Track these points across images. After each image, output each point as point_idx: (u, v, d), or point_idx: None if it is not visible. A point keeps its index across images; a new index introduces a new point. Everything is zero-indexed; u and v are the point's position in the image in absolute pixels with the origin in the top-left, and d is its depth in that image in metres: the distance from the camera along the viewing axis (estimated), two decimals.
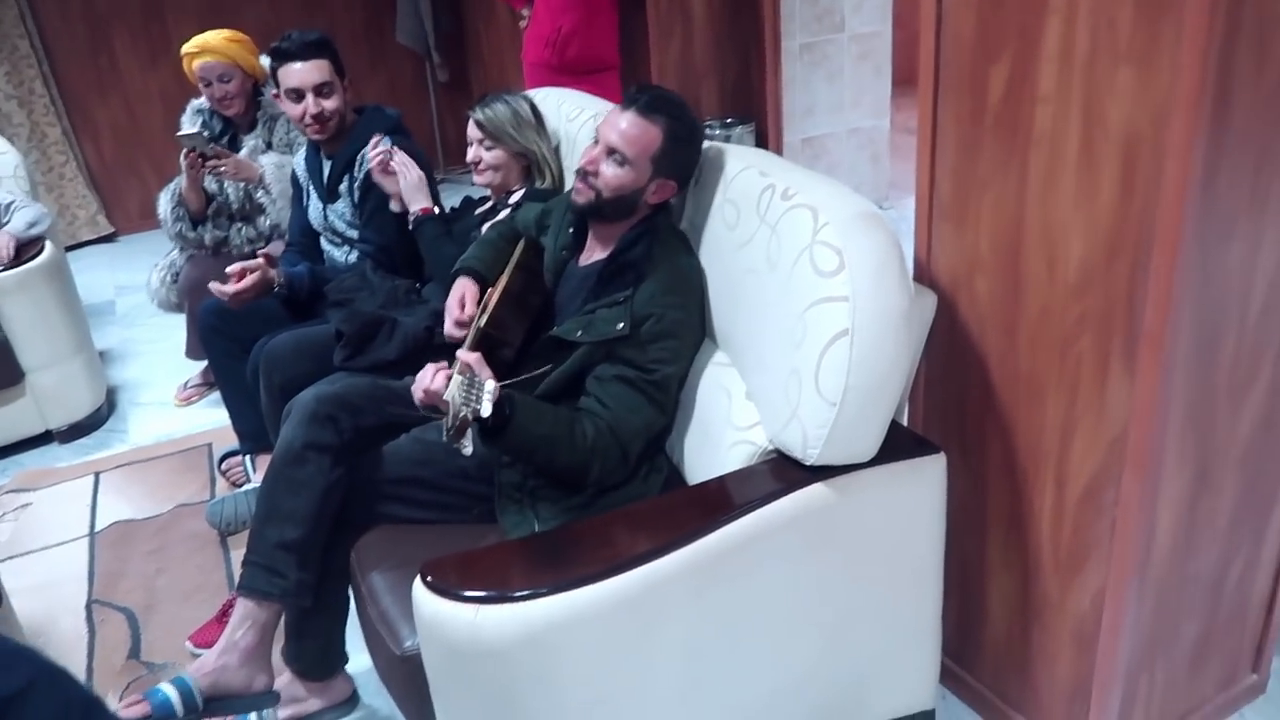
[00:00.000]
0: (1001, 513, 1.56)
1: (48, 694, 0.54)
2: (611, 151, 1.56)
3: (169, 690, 1.62)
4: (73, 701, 0.56)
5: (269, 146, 2.90)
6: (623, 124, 1.56)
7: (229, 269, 2.25)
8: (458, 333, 1.74)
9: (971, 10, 1.35)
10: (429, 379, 1.43)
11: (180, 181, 2.88)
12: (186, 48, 2.82)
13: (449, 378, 1.36)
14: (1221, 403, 1.34)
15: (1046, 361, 1.39)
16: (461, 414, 1.29)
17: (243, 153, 2.87)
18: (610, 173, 1.56)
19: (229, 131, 2.95)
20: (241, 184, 2.88)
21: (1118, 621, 1.40)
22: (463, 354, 1.41)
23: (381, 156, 2.21)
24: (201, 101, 2.96)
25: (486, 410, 1.30)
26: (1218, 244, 1.21)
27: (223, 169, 2.72)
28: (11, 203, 2.95)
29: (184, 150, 2.71)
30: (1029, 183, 1.33)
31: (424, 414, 1.45)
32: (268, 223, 2.92)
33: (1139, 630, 1.43)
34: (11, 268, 2.79)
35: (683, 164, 1.62)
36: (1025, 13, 1.27)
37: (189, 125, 2.96)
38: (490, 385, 1.32)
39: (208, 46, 2.79)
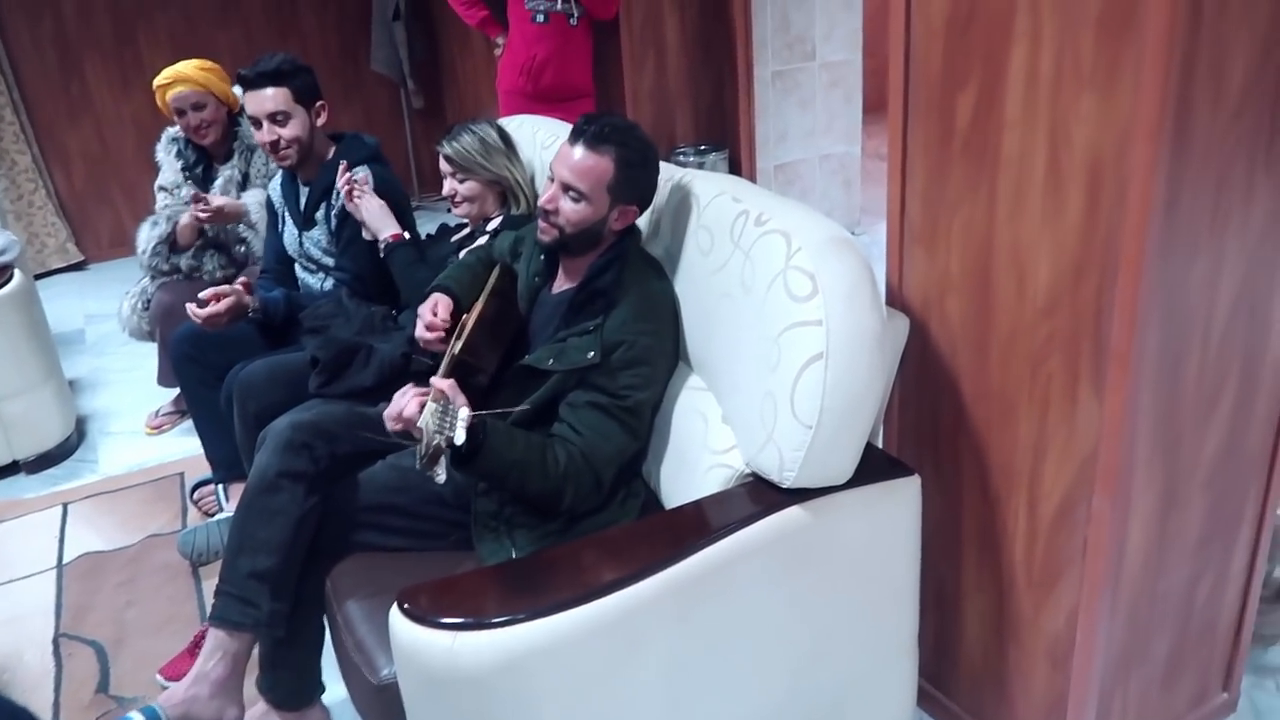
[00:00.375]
0: (975, 532, 1.57)
1: None
2: (567, 189, 1.56)
3: (137, 718, 1.60)
4: None
5: (245, 178, 2.89)
6: (573, 158, 1.55)
7: (203, 294, 2.23)
8: (428, 335, 1.73)
9: (938, 38, 1.38)
10: (403, 403, 1.42)
11: (168, 216, 2.87)
12: (159, 80, 2.81)
13: (422, 404, 1.35)
14: (1188, 420, 1.36)
15: (1017, 381, 1.41)
16: (435, 441, 1.28)
17: (217, 183, 2.86)
18: (569, 208, 1.56)
19: (203, 161, 2.94)
20: (225, 239, 2.89)
21: (1091, 638, 1.41)
22: (436, 381, 1.41)
23: (347, 186, 2.21)
24: (176, 130, 2.95)
25: (460, 438, 1.29)
26: (1181, 264, 1.23)
27: (205, 216, 2.70)
28: None
29: (192, 195, 2.74)
30: (997, 205, 1.36)
31: (397, 440, 1.44)
32: (244, 250, 2.91)
33: (1112, 647, 1.45)
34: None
35: (640, 188, 1.62)
36: (990, 40, 1.30)
37: (164, 154, 2.95)
38: (464, 412, 1.32)
39: (180, 76, 2.79)
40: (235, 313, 2.24)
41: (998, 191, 1.35)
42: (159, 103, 2.85)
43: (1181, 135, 1.15)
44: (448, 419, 1.30)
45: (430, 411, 1.30)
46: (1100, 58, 1.16)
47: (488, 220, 2.20)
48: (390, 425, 1.43)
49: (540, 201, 1.59)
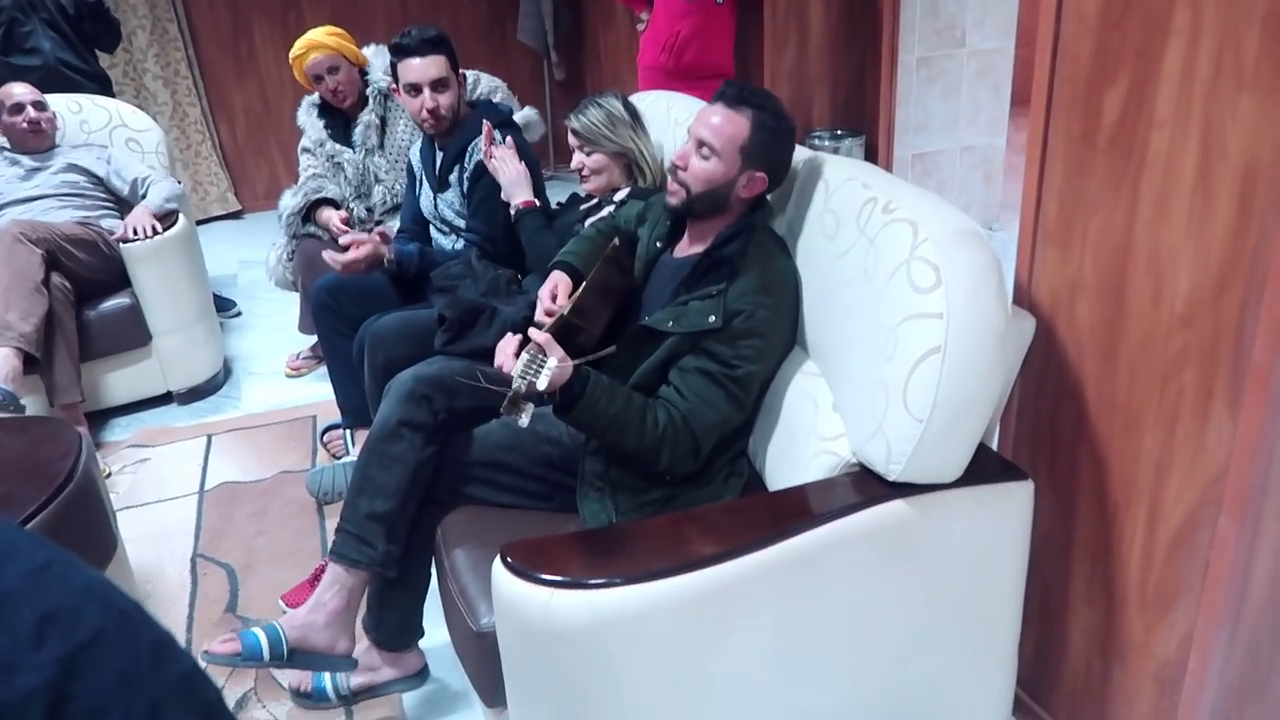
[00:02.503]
0: (1088, 545, 1.52)
1: (115, 641, 0.52)
2: (700, 145, 1.59)
3: (260, 634, 1.72)
4: (141, 646, 0.53)
5: (384, 122, 3.03)
6: (712, 118, 1.59)
7: (343, 239, 2.35)
8: (547, 320, 1.79)
9: (1090, 30, 1.33)
10: (504, 354, 1.50)
11: (307, 190, 3.06)
12: (294, 51, 2.99)
13: (519, 353, 1.43)
14: None
15: (1146, 393, 1.35)
16: (516, 385, 1.38)
17: (357, 130, 3.02)
18: (698, 165, 1.59)
19: (342, 121, 3.08)
20: (361, 163, 3.02)
21: (1204, 668, 1.35)
22: (534, 333, 1.47)
23: (489, 143, 2.29)
24: (314, 97, 3.11)
25: (542, 384, 1.40)
26: None
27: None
28: (147, 178, 3.15)
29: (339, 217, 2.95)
30: (1139, 208, 1.30)
31: (491, 388, 1.51)
32: (382, 192, 3.05)
33: (1226, 679, 1.38)
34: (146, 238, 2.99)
35: (772, 155, 1.62)
36: (1146, 34, 1.24)
37: (305, 117, 3.12)
38: (552, 363, 1.41)
39: (313, 43, 2.95)
40: (372, 261, 2.34)
41: (1140, 193, 1.29)
42: (296, 74, 3.04)
43: None
44: (534, 366, 1.41)
45: (523, 360, 1.41)
46: (1265, 57, 1.09)
47: (615, 191, 2.24)
48: (496, 365, 1.52)
49: (672, 157, 1.62)
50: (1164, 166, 1.24)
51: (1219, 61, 1.14)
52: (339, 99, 3.01)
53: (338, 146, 3.05)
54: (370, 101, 3.02)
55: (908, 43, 3.85)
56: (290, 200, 3.10)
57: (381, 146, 3.04)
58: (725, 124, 1.57)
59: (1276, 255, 1.12)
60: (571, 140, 2.24)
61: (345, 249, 2.33)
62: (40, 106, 3.09)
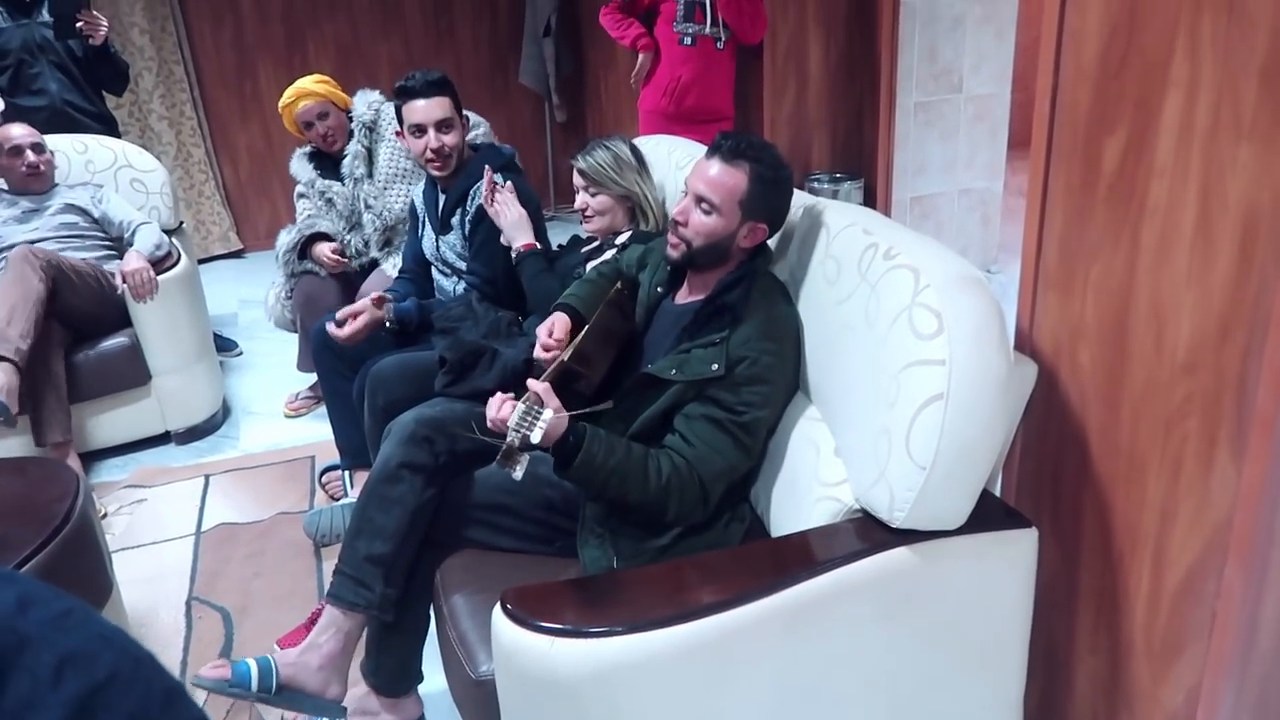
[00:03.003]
0: (1093, 593, 1.50)
1: (129, 685, 0.55)
2: (700, 200, 1.59)
3: (251, 664, 1.70)
4: (153, 692, 0.56)
5: (370, 152, 3.08)
6: (709, 172, 1.59)
7: (340, 313, 2.36)
8: (545, 356, 1.78)
9: (1088, 80, 1.34)
10: (496, 407, 1.47)
11: (301, 227, 3.11)
12: (283, 101, 3.06)
13: (515, 404, 1.41)
14: None
15: (1149, 440, 1.34)
16: (511, 438, 1.35)
17: (345, 162, 3.08)
18: (699, 220, 1.59)
19: (333, 164, 3.15)
20: (350, 194, 3.08)
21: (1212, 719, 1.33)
22: (532, 382, 1.46)
23: (490, 188, 2.31)
24: (306, 147, 3.17)
25: (536, 438, 1.37)
26: None
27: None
28: (133, 223, 3.13)
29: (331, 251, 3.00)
30: (1140, 255, 1.30)
31: (489, 440, 1.49)
32: (371, 219, 3.08)
33: None
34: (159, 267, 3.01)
35: (771, 205, 1.63)
36: (1144, 85, 1.25)
37: (298, 164, 3.19)
38: (548, 414, 1.38)
39: (302, 92, 3.03)
40: (372, 328, 2.36)
41: (1141, 241, 1.29)
42: (287, 123, 3.12)
43: None
44: (529, 419, 1.38)
45: (517, 410, 1.38)
46: (1263, 108, 1.10)
47: (616, 235, 2.25)
48: (489, 423, 1.49)
49: (672, 213, 1.62)
50: (1164, 215, 1.25)
51: (1217, 112, 1.16)
52: (329, 144, 3.09)
53: (327, 182, 3.12)
54: (355, 133, 3.08)
55: (906, 87, 3.90)
56: (286, 238, 3.13)
57: (370, 175, 3.09)
58: (723, 179, 1.58)
59: (1278, 304, 1.12)
60: (576, 180, 2.26)
61: (342, 323, 2.33)
62: (39, 149, 3.08)
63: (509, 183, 2.36)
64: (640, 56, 3.62)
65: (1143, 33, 1.24)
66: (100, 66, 3.43)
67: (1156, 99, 1.24)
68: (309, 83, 3.05)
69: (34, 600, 0.55)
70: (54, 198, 3.11)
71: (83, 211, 3.11)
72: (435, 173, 2.47)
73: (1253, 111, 1.12)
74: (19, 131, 3.07)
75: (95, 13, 3.30)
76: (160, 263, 3.05)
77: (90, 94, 3.51)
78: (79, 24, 3.24)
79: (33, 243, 2.95)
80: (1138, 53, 1.26)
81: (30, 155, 3.05)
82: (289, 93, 3.05)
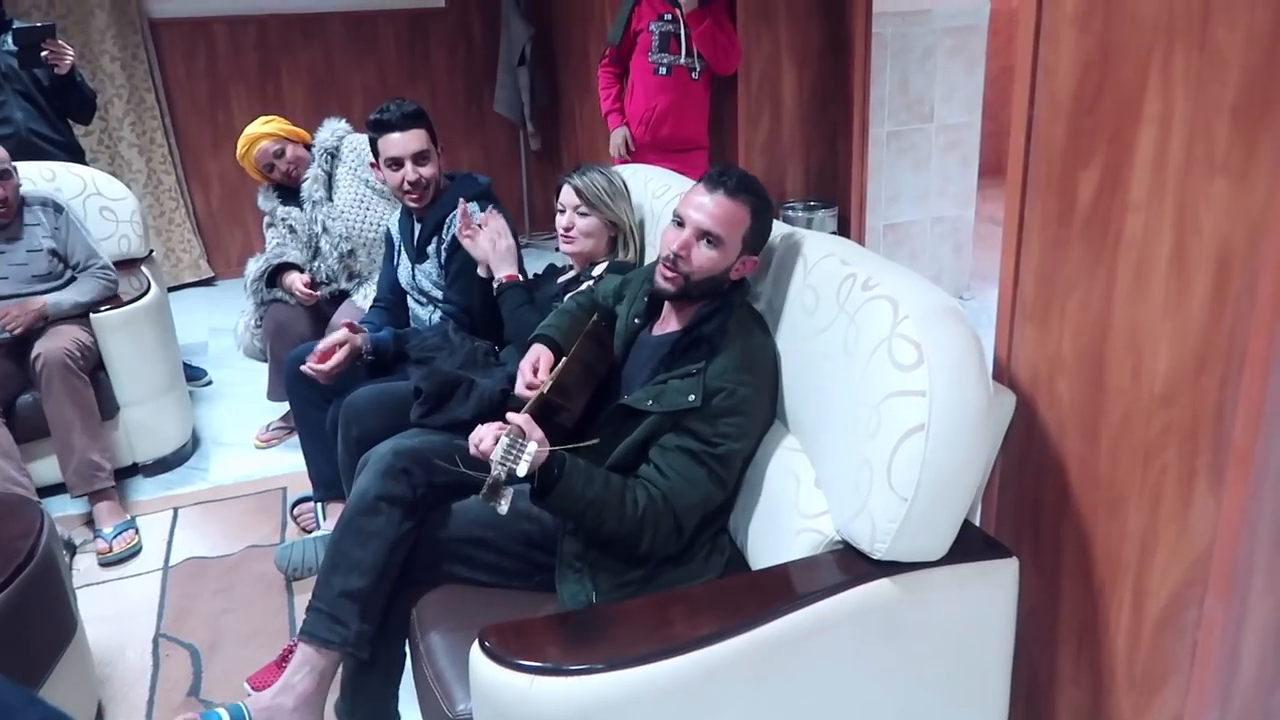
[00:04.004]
0: (1074, 623, 1.50)
1: None
2: (703, 234, 1.57)
3: (223, 714, 1.66)
4: None
5: (330, 176, 3.08)
6: (713, 207, 1.57)
7: (321, 345, 2.32)
8: (528, 393, 1.77)
9: (1063, 115, 1.36)
10: (480, 437, 1.44)
11: (269, 255, 3.10)
12: (239, 151, 3.08)
13: (498, 437, 1.39)
14: None
15: (1128, 471, 1.35)
16: (496, 472, 1.33)
17: (304, 186, 3.07)
18: (703, 255, 1.58)
19: (297, 193, 3.13)
20: (308, 218, 3.07)
21: None
22: (514, 416, 1.44)
23: (466, 219, 2.29)
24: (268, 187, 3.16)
25: (522, 471, 1.35)
26: None
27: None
28: (83, 268, 2.96)
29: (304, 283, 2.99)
30: (1116, 288, 1.31)
31: (469, 474, 1.46)
32: (328, 242, 3.06)
33: None
34: (116, 307, 2.94)
35: (763, 239, 1.66)
36: (1118, 120, 1.27)
37: (264, 199, 3.18)
38: (532, 447, 1.37)
39: (254, 135, 3.04)
40: (350, 360, 2.33)
41: (1117, 274, 1.31)
42: (249, 171, 3.11)
43: None
44: (513, 452, 1.36)
45: (501, 443, 1.36)
46: (1235, 143, 1.12)
47: (593, 264, 2.24)
48: (471, 451, 1.46)
49: (673, 247, 1.58)
50: (1139, 248, 1.27)
51: (1191, 147, 1.17)
52: (292, 179, 3.09)
53: (287, 209, 3.11)
54: (316, 159, 3.08)
55: (878, 117, 3.95)
56: (254, 266, 3.12)
57: (329, 199, 3.08)
58: (731, 214, 1.57)
59: (1253, 336, 1.13)
60: (565, 199, 2.21)
61: (322, 358, 2.29)
62: (5, 176, 2.82)
63: (498, 213, 2.34)
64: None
65: (1116, 68, 1.26)
66: (67, 95, 3.38)
67: (1130, 133, 1.25)
68: (257, 126, 3.06)
69: (6, 709, 0.54)
70: (18, 234, 2.88)
71: (50, 253, 2.92)
72: (413, 204, 2.46)
73: (1225, 146, 1.13)
74: None
75: (61, 42, 3.26)
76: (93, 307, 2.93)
77: (57, 123, 3.45)
78: (44, 53, 3.20)
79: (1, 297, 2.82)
80: (1111, 87, 1.27)
81: None
82: (241, 142, 3.06)
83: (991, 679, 1.46)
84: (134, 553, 2.65)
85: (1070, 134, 1.35)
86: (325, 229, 3.04)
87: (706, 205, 1.58)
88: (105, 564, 2.61)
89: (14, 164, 2.91)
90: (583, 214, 2.19)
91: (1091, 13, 1.29)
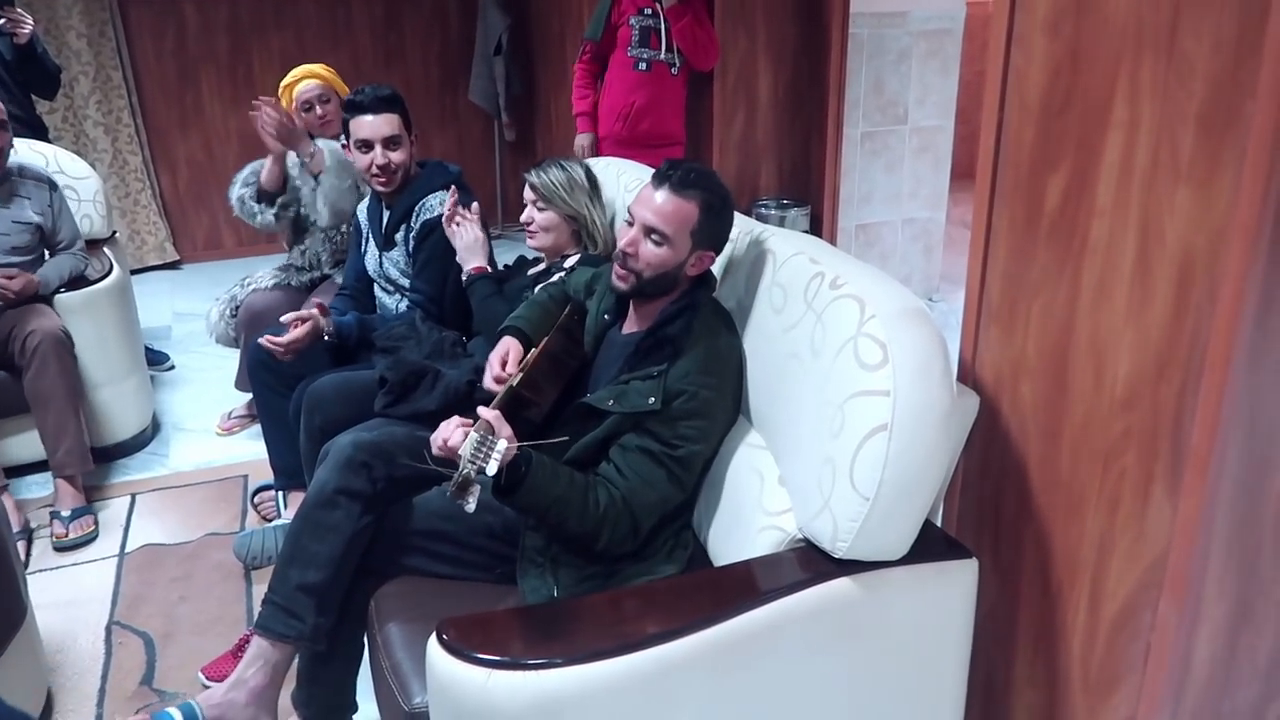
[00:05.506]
0: (1032, 624, 1.52)
1: None
2: (650, 231, 1.56)
3: (175, 714, 1.63)
4: None
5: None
6: (658, 202, 1.56)
7: (285, 317, 2.28)
8: (496, 387, 1.75)
9: (1032, 120, 1.36)
10: (448, 432, 1.43)
11: (260, 166, 2.99)
12: (288, 78, 3.03)
13: (467, 433, 1.37)
14: (1268, 536, 1.30)
15: (1088, 473, 1.36)
16: (465, 470, 1.30)
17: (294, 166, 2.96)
18: (650, 251, 1.57)
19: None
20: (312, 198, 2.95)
21: None
22: (484, 411, 1.42)
23: (452, 210, 2.28)
24: (258, 164, 3.03)
25: (492, 469, 1.32)
26: (1272, 373, 1.18)
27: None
28: (65, 246, 2.94)
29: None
30: (1080, 292, 1.32)
31: (437, 469, 1.45)
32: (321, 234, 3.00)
33: None
34: (76, 288, 2.88)
35: (718, 234, 1.63)
36: (1086, 126, 1.27)
37: (241, 188, 3.04)
38: (502, 445, 1.34)
39: (310, 72, 3.02)
40: (312, 338, 2.29)
41: (1082, 278, 1.32)
42: (285, 101, 3.01)
43: None
44: (484, 449, 1.32)
45: (470, 440, 1.33)
46: (1199, 153, 1.13)
47: (564, 257, 2.23)
48: (435, 449, 1.44)
49: (620, 245, 1.60)
50: (1104, 254, 1.27)
51: (1156, 155, 1.18)
52: (325, 128, 3.00)
53: (261, 206, 2.99)
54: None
55: (852, 118, 3.97)
56: (241, 179, 3.01)
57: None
58: (675, 210, 1.55)
59: (1212, 344, 1.15)
60: (526, 194, 2.24)
61: (283, 330, 2.26)
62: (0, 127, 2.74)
63: (474, 204, 2.34)
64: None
65: (1085, 74, 1.27)
66: (26, 67, 3.30)
67: (1098, 140, 1.26)
68: (316, 66, 3.04)
69: None
70: (5, 204, 2.82)
71: (36, 229, 2.87)
72: (380, 188, 2.43)
73: (1190, 155, 1.14)
74: None
75: (19, 10, 3.18)
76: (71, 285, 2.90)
77: (20, 98, 3.38)
78: (1, 21, 3.13)
79: None
80: (1080, 93, 1.28)
81: None
82: (295, 72, 3.02)
83: (949, 679, 1.47)
84: (90, 539, 2.61)
85: (1039, 139, 1.36)
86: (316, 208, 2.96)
87: (651, 202, 1.56)
88: (60, 549, 2.57)
89: (7, 127, 2.82)
90: (540, 208, 2.22)
91: (1062, 19, 1.30)
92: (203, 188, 5.20)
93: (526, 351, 1.77)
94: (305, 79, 3.01)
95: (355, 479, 1.66)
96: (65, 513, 2.65)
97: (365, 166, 2.40)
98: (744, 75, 3.75)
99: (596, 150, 3.58)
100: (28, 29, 3.18)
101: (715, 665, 1.26)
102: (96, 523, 2.68)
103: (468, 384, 2.02)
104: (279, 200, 2.98)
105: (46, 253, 2.96)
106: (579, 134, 3.65)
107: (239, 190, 3.01)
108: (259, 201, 2.98)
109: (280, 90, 3.04)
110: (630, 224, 1.59)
